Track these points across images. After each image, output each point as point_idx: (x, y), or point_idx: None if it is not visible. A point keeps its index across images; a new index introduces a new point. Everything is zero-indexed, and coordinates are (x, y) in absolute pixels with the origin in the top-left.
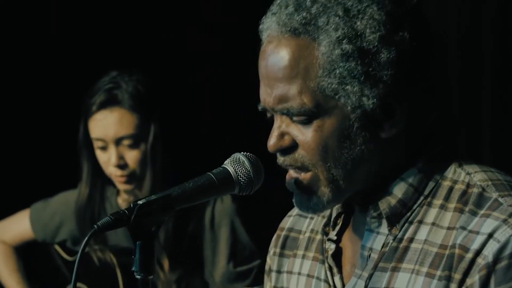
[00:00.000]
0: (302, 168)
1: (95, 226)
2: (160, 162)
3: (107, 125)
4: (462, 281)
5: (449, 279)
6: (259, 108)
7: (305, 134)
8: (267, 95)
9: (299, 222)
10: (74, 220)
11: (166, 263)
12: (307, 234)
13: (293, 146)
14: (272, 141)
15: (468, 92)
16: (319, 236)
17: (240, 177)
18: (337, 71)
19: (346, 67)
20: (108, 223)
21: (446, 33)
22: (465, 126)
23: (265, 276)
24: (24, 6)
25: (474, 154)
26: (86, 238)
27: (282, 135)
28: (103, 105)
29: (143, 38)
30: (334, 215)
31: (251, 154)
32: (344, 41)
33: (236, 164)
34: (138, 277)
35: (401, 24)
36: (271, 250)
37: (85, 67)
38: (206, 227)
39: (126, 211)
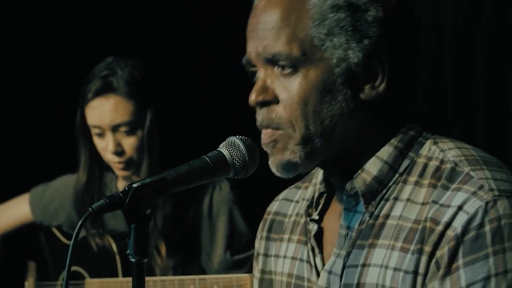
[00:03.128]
0: (277, 128)
1: (90, 209)
2: (157, 148)
3: (103, 112)
4: (432, 253)
5: (420, 252)
6: (243, 61)
7: (288, 89)
8: (254, 46)
9: (285, 206)
10: (72, 205)
11: (163, 249)
12: (293, 218)
13: (274, 102)
14: (254, 93)
15: (463, 89)
16: (303, 219)
17: (235, 161)
18: (327, 22)
19: (335, 17)
20: (102, 206)
21: (442, 29)
22: (460, 123)
23: (254, 261)
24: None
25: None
26: (81, 221)
27: (266, 88)
28: (98, 93)
29: (140, 24)
30: (316, 195)
31: (246, 138)
32: None
33: (231, 147)
34: (132, 260)
35: None
36: (258, 235)
37: (83, 53)
38: (204, 215)
39: (121, 194)
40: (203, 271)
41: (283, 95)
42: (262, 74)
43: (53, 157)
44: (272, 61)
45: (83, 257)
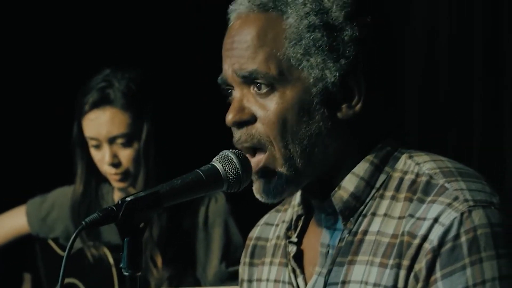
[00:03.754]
0: (258, 145)
1: (83, 222)
2: (153, 159)
3: (99, 124)
4: (410, 267)
5: (399, 266)
6: (218, 80)
7: (265, 108)
8: (230, 65)
9: (266, 230)
10: (69, 217)
11: (159, 260)
12: (274, 241)
13: (252, 121)
14: (231, 113)
15: (459, 91)
16: (284, 241)
17: (229, 174)
18: (303, 42)
19: (312, 37)
20: (96, 219)
21: (437, 32)
22: (456, 126)
23: None
24: (18, 3)
25: (464, 153)
26: (74, 234)
27: (242, 108)
28: (95, 105)
29: (137, 35)
30: (294, 218)
31: (240, 151)
32: (311, 14)
33: (225, 161)
34: (126, 273)
35: (365, 9)
36: (242, 261)
37: (80, 64)
38: (200, 226)
39: (114, 208)
40: (198, 283)
41: (260, 113)
42: (238, 94)
43: (50, 168)
44: (248, 80)
45: (79, 269)
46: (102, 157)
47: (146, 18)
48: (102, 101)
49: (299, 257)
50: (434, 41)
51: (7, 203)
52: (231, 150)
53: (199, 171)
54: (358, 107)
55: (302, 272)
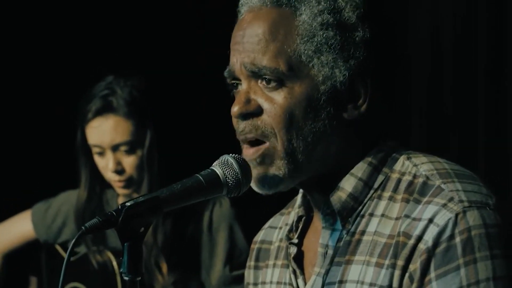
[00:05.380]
0: (261, 137)
1: (83, 227)
2: (157, 166)
3: (103, 132)
4: (405, 267)
5: (394, 266)
6: (225, 72)
7: (273, 101)
8: (240, 59)
9: (270, 234)
10: (74, 222)
11: (164, 266)
12: (277, 244)
13: (258, 113)
14: (237, 105)
15: (462, 94)
16: (285, 243)
17: (228, 179)
18: (316, 39)
19: (325, 35)
20: (96, 224)
21: (440, 34)
22: (459, 127)
23: None
24: (19, 10)
25: (468, 155)
26: (74, 239)
27: (248, 100)
28: (98, 113)
29: (140, 42)
30: (295, 219)
31: (239, 156)
32: (325, 12)
33: (224, 166)
34: (126, 278)
35: (375, 11)
36: (247, 264)
37: (83, 69)
38: (204, 230)
39: (114, 213)
40: (203, 286)
41: (267, 105)
42: (245, 86)
43: (54, 171)
44: (257, 75)
45: (83, 273)
46: (105, 164)
47: (148, 25)
48: (105, 109)
49: (299, 258)
50: (439, 43)
51: (12, 207)
52: (230, 154)
53: (199, 175)
54: (363, 108)
55: (302, 272)
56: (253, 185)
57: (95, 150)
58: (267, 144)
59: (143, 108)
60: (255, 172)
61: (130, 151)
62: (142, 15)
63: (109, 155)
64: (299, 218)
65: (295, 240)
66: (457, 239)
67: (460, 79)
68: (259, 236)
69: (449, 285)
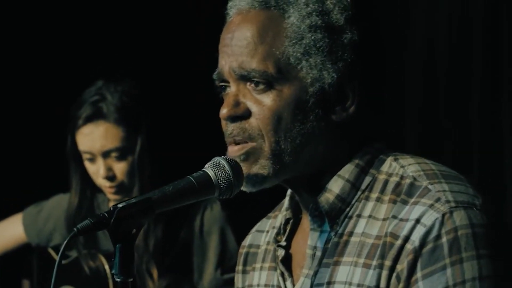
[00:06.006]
0: (249, 139)
1: (75, 229)
2: (148, 172)
3: (93, 139)
4: (392, 268)
5: (381, 267)
6: (214, 75)
7: (261, 103)
8: (228, 62)
9: (257, 238)
10: (65, 227)
11: (155, 272)
12: (264, 247)
13: (246, 116)
14: (226, 108)
15: (457, 98)
16: (273, 246)
17: (220, 181)
18: (304, 41)
19: (313, 37)
20: (87, 226)
21: (436, 37)
22: (454, 132)
23: None
24: (12, 15)
25: (463, 159)
26: (65, 241)
27: (237, 103)
28: (88, 119)
29: (131, 46)
30: (283, 222)
31: (231, 158)
32: (313, 14)
33: (216, 167)
34: (117, 280)
35: (362, 14)
36: (236, 270)
37: (75, 73)
38: (196, 234)
39: (106, 214)
40: None
41: (255, 108)
42: (234, 89)
43: (46, 173)
44: (246, 78)
45: (75, 276)
46: (96, 170)
47: (140, 29)
48: (95, 116)
49: (287, 261)
50: (433, 48)
51: (3, 210)
52: (222, 157)
53: (190, 177)
54: (351, 109)
55: (291, 275)
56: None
57: (85, 156)
58: (253, 143)
59: (134, 114)
60: (241, 169)
61: (120, 157)
62: (134, 20)
63: (100, 162)
64: (287, 221)
65: (283, 243)
66: (444, 239)
67: (455, 83)
68: (247, 240)
69: (435, 284)
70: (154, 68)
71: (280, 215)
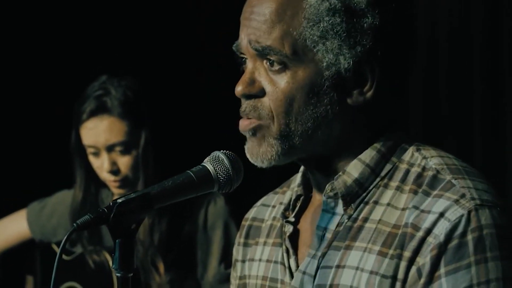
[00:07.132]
0: (258, 118)
1: (75, 224)
2: (152, 166)
3: (97, 133)
4: (412, 259)
5: (400, 257)
6: (233, 46)
7: (276, 84)
8: (246, 35)
9: (262, 211)
10: (69, 222)
11: (161, 266)
12: (269, 222)
13: (260, 95)
14: (241, 85)
15: (458, 93)
16: (280, 222)
17: (219, 175)
18: (322, 24)
19: (331, 21)
20: (87, 221)
21: (436, 33)
22: (456, 127)
23: (232, 269)
24: (13, 11)
25: (465, 156)
26: (65, 236)
27: (252, 81)
28: (93, 113)
29: (134, 42)
30: (293, 198)
31: (230, 152)
32: None
33: (216, 162)
34: (118, 275)
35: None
36: (236, 241)
37: (78, 69)
38: (200, 229)
39: (106, 210)
40: (199, 285)
41: (269, 88)
42: (250, 65)
43: (49, 169)
44: (262, 54)
45: (80, 273)
46: (101, 165)
47: (143, 25)
48: (100, 110)
49: (294, 238)
50: (435, 43)
51: (7, 206)
52: (222, 151)
53: (190, 172)
54: (369, 94)
55: (295, 253)
56: (247, 155)
57: (90, 150)
58: (262, 122)
59: (138, 108)
60: (249, 143)
61: (125, 151)
62: (136, 16)
63: (104, 156)
64: (298, 197)
65: (292, 219)
66: (469, 237)
67: (456, 79)
68: (251, 213)
69: (459, 282)
70: (157, 63)
71: (288, 191)
